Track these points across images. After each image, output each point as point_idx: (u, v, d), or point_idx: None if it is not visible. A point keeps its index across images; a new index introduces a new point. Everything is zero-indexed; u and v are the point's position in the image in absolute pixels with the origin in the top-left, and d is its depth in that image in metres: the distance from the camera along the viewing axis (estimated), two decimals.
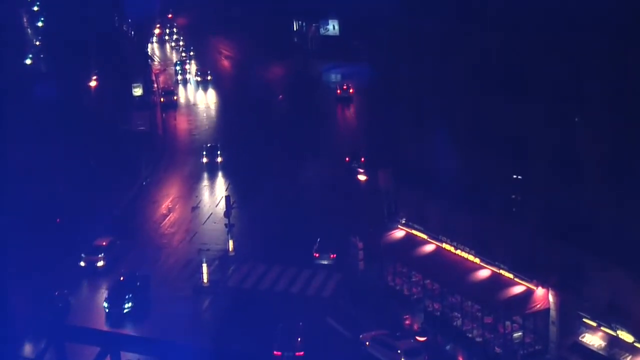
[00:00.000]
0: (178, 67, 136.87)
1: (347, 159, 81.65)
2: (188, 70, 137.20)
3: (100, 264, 61.05)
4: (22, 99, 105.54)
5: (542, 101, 43.32)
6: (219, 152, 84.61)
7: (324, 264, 60.39)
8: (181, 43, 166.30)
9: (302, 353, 47.54)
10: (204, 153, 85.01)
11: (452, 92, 50.69)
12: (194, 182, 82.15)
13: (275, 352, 47.61)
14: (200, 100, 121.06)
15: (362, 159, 78.23)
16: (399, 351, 46.36)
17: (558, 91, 42.29)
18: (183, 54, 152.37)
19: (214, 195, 77.54)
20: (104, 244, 62.38)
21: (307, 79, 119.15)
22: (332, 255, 60.68)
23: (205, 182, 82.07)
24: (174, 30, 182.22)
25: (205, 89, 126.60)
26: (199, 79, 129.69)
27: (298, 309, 53.40)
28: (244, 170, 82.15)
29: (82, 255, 61.30)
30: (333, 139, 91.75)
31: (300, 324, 49.50)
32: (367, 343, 48.03)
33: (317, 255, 61.10)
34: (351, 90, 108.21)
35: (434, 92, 52.44)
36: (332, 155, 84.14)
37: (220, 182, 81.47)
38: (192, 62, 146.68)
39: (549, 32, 42.47)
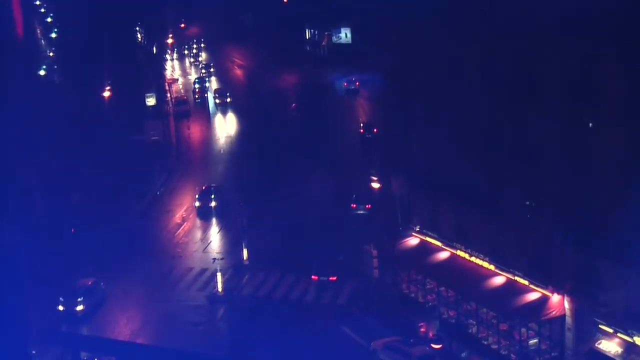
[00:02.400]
0: (197, 85, 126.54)
1: (361, 130, 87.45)
2: (208, 88, 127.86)
3: (79, 308, 55.50)
4: (36, 109, 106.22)
5: (556, 106, 43.18)
6: (212, 196, 75.64)
7: (361, 214, 68.30)
8: (200, 59, 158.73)
9: (334, 278, 56.66)
10: (197, 197, 76.54)
11: (464, 97, 50.56)
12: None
13: (312, 277, 57.28)
14: (219, 125, 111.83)
15: (375, 130, 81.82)
16: (412, 358, 46.25)
17: (572, 96, 42.14)
18: (203, 71, 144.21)
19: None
20: (89, 284, 57.18)
21: (320, 87, 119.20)
22: (367, 206, 68.26)
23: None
24: (200, 45, 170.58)
25: (224, 113, 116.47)
26: (217, 101, 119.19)
27: (313, 317, 53.43)
28: (258, 178, 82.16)
29: (60, 298, 55.77)
30: (345, 144, 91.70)
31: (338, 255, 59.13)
32: (379, 349, 47.92)
33: (354, 206, 68.97)
34: (357, 83, 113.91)
35: (446, 97, 52.32)
36: (345, 161, 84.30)
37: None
38: (213, 78, 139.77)
39: (563, 34, 42.36)
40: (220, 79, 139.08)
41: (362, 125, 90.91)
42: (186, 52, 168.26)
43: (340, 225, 66.25)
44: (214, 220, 74.34)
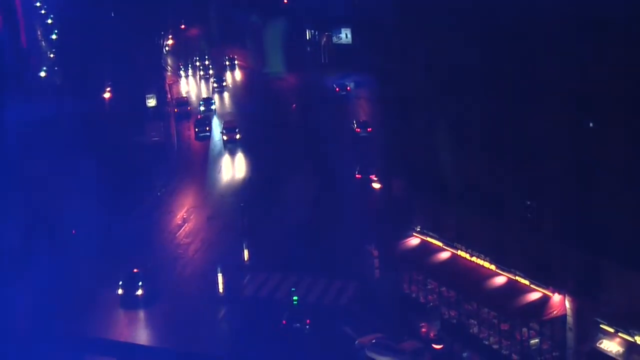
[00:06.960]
0: (202, 108, 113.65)
1: (356, 129, 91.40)
2: (214, 113, 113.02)
3: None
4: (37, 110, 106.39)
5: (557, 106, 43.17)
6: (140, 283, 59.21)
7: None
8: (210, 72, 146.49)
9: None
10: (121, 283, 59.44)
11: (465, 98, 50.56)
12: (208, 192, 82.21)
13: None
14: (226, 178, 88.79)
15: (369, 129, 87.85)
16: (405, 354, 46.41)
17: (572, 96, 42.14)
18: (215, 85, 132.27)
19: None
20: None
21: (319, 88, 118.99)
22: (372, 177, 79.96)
23: (220, 190, 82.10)
24: (209, 62, 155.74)
25: (232, 153, 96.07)
26: (225, 137, 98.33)
27: (315, 317, 53.44)
28: (260, 180, 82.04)
29: None
30: (346, 145, 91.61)
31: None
32: (366, 346, 48.06)
33: (359, 176, 78.97)
34: (348, 88, 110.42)
35: (446, 98, 52.31)
36: (346, 162, 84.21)
37: None
38: (224, 95, 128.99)
39: (563, 35, 42.37)
40: (232, 102, 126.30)
41: (355, 123, 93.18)
42: (198, 63, 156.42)
43: None
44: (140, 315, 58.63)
